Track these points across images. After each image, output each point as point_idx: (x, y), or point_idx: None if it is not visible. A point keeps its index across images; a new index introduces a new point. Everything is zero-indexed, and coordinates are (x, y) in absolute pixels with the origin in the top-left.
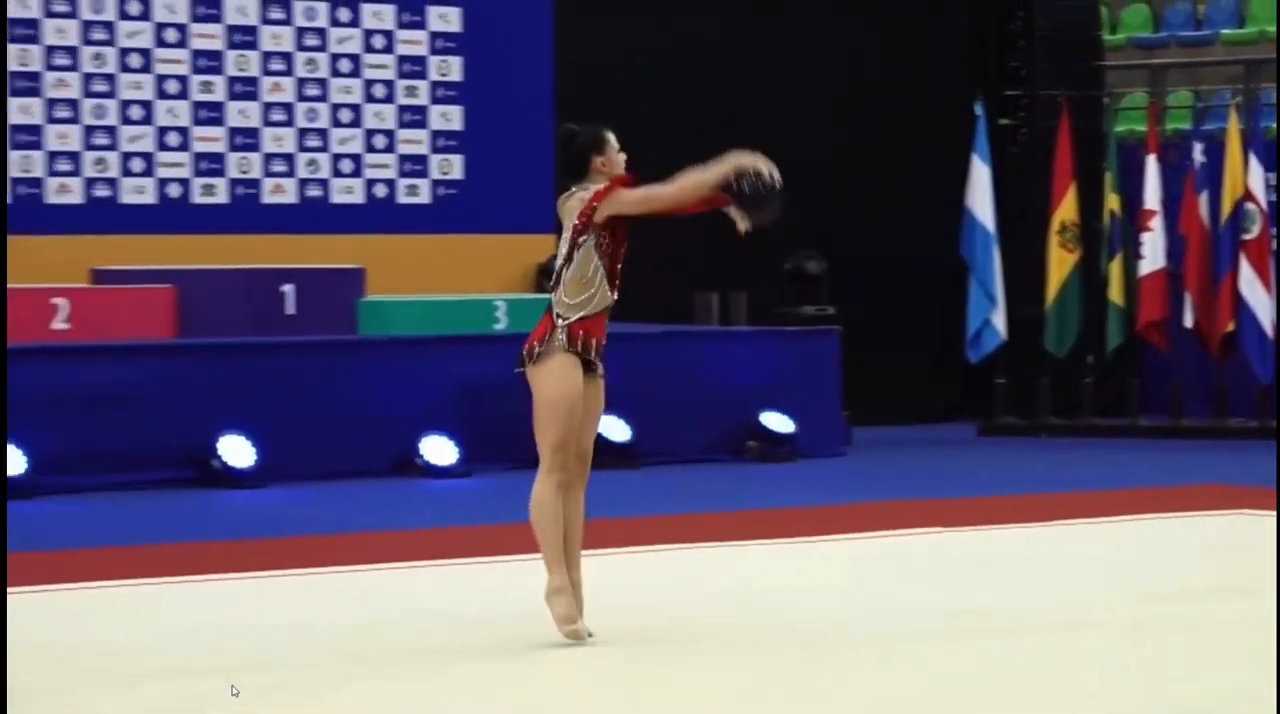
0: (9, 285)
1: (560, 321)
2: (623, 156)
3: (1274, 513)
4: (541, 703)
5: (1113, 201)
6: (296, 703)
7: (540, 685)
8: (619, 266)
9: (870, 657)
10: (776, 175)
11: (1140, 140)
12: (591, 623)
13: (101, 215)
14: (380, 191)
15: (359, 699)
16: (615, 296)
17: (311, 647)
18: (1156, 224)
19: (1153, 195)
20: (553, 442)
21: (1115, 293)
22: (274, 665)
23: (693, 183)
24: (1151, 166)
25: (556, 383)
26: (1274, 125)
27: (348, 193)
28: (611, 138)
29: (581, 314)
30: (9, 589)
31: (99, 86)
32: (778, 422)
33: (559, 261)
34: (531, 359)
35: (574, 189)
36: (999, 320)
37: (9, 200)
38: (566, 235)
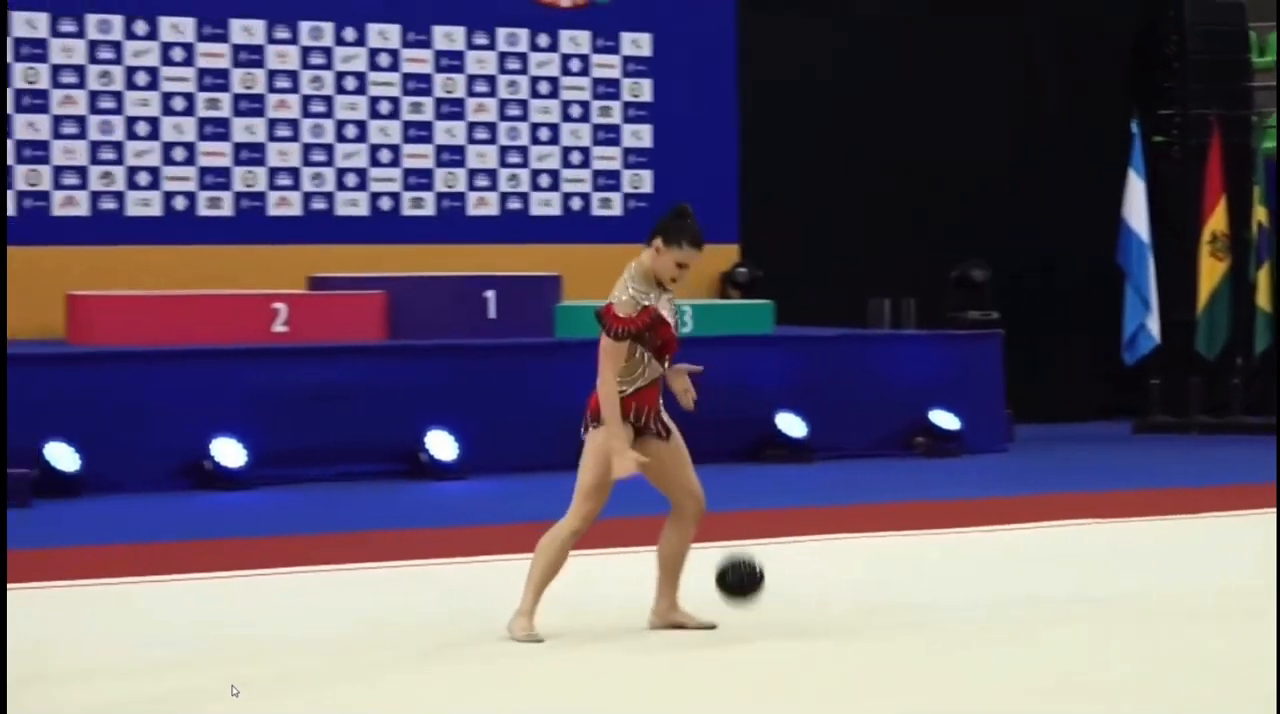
0: (232, 291)
1: None
2: (673, 264)
3: None
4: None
5: (1260, 213)
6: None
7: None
8: (667, 344)
9: (1010, 637)
10: (759, 568)
11: None
12: (706, 615)
13: (318, 227)
14: (576, 204)
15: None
16: (668, 364)
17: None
18: None
19: None
20: (584, 489)
21: (1262, 299)
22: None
23: (606, 399)
24: None
25: (604, 446)
26: None
27: (546, 205)
28: (685, 245)
29: (634, 387)
30: (220, 572)
31: (317, 108)
32: (945, 419)
33: None
34: (591, 425)
35: (632, 268)
36: (1153, 325)
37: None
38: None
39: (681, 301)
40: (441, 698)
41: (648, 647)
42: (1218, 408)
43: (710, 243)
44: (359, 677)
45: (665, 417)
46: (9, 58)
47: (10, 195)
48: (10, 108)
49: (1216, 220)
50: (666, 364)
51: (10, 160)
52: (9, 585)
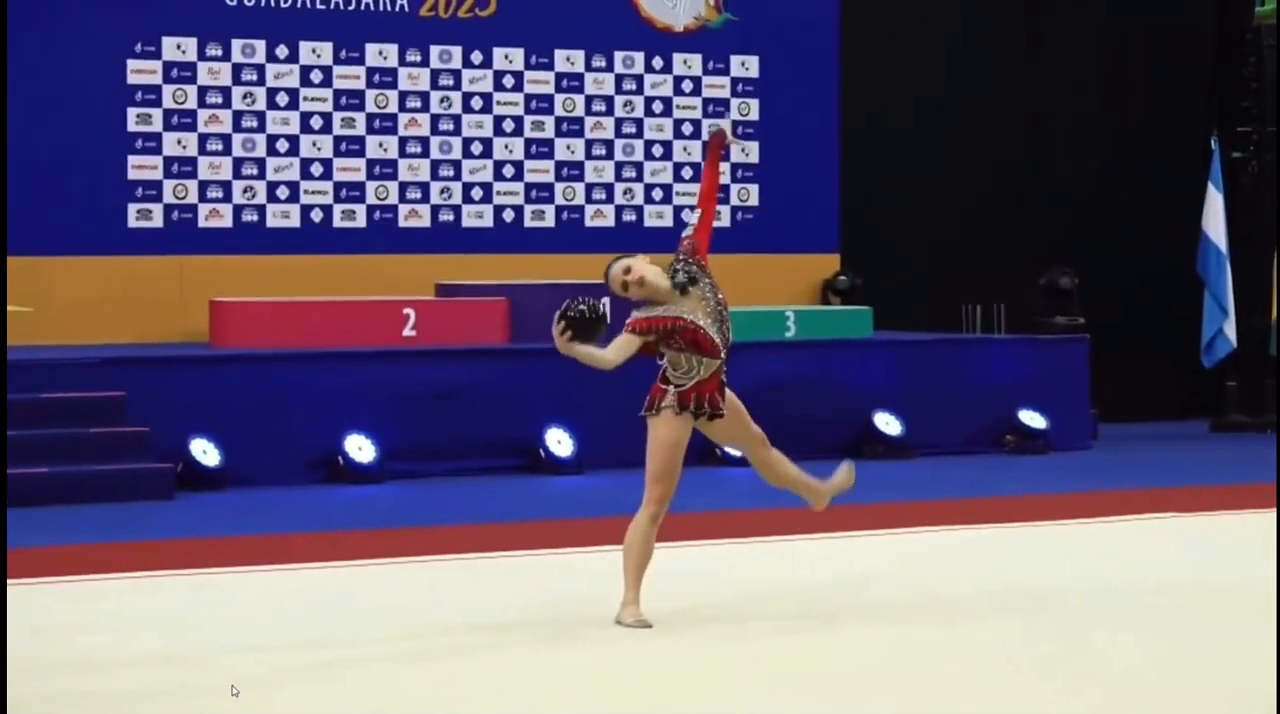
0: (365, 297)
1: (674, 387)
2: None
3: None
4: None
5: None
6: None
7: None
8: (710, 335)
9: (1100, 620)
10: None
11: None
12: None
13: (446, 237)
14: (686, 216)
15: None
16: (723, 355)
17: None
18: None
19: None
20: (653, 474)
21: None
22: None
23: (591, 357)
24: None
25: (665, 432)
26: None
27: (658, 218)
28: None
29: (693, 381)
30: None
31: (445, 126)
32: (1033, 418)
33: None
34: (652, 410)
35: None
36: (1230, 330)
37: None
38: None
39: (785, 307)
40: (561, 678)
41: (748, 633)
42: None
43: (811, 252)
44: (491, 651)
45: (725, 392)
46: (159, 79)
47: (158, 208)
48: (159, 126)
49: None
50: (722, 356)
51: (159, 175)
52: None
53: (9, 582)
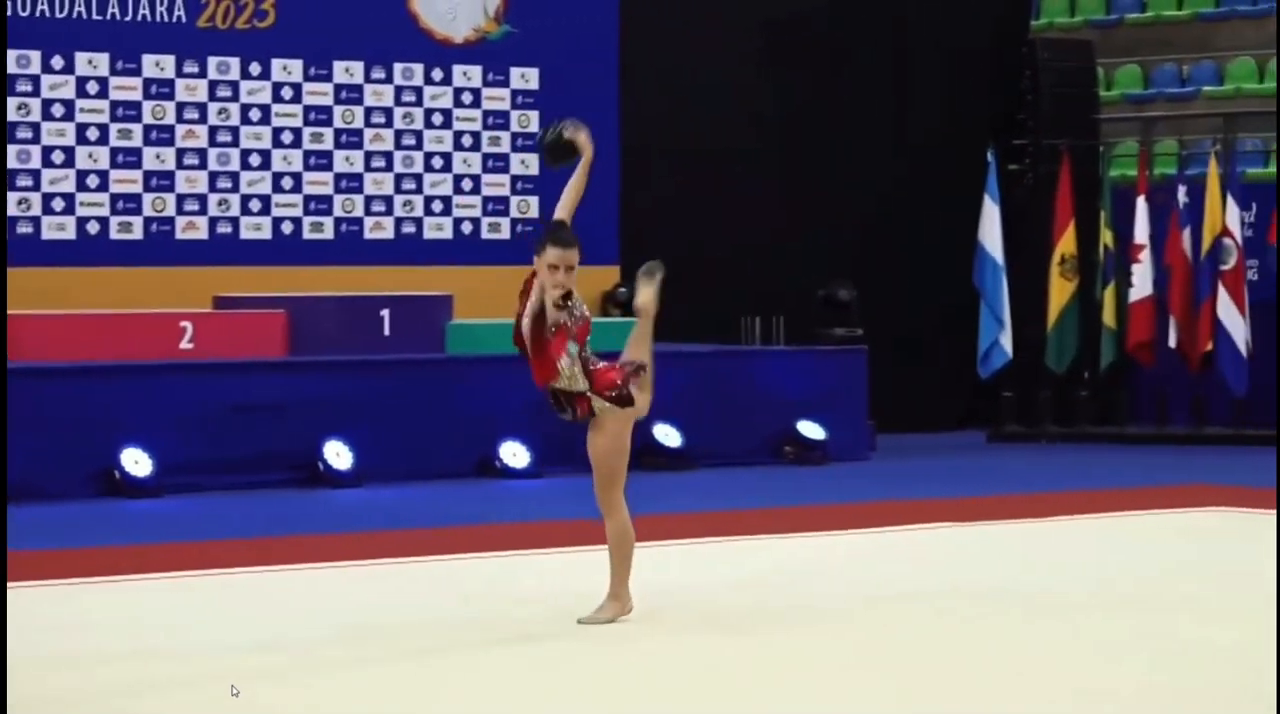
0: (141, 311)
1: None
2: (545, 268)
3: (1244, 510)
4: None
5: (1107, 237)
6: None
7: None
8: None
9: (877, 627)
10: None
11: (1131, 184)
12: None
13: (223, 249)
14: (466, 228)
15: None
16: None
17: (419, 627)
18: (1145, 257)
19: (1142, 231)
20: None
21: (1108, 317)
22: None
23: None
24: (1141, 206)
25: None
26: (1247, 170)
27: (438, 230)
28: (548, 247)
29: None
30: (107, 576)
31: (223, 138)
32: (812, 429)
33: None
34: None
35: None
36: (1006, 341)
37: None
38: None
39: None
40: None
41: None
42: (1066, 419)
43: (593, 265)
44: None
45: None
46: None
47: None
48: None
49: (1066, 243)
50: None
51: None
52: None
53: None
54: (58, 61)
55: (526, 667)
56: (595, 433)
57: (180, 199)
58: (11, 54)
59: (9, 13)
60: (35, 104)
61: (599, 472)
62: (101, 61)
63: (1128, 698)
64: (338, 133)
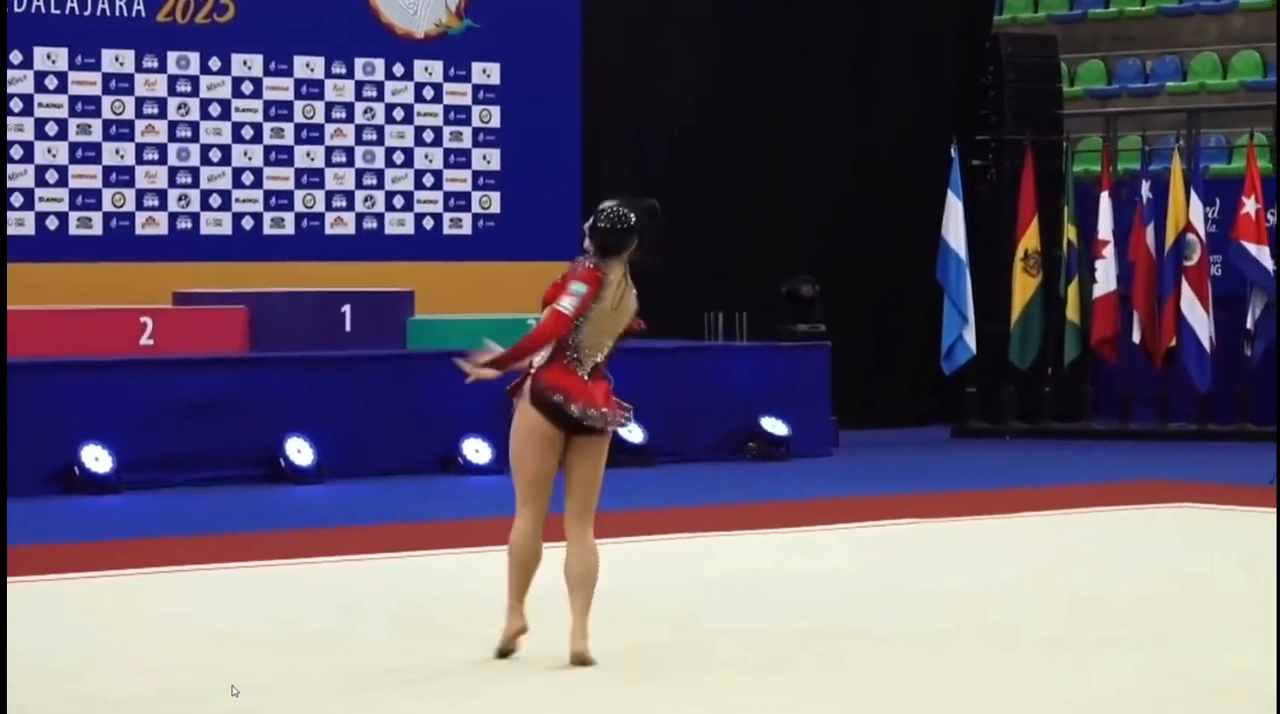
0: (101, 306)
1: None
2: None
3: (1207, 506)
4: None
5: (1070, 232)
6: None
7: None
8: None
9: (838, 624)
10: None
11: (1095, 179)
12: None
13: (183, 245)
14: (428, 224)
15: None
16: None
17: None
18: (1108, 252)
19: (1105, 227)
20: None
21: (1072, 312)
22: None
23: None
24: (1104, 202)
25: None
26: (1210, 166)
27: (400, 225)
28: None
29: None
30: (72, 572)
31: (183, 133)
32: (774, 425)
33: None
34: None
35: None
36: (970, 336)
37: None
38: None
39: (526, 315)
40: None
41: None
42: (1030, 414)
43: (553, 260)
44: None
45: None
46: None
47: None
48: None
49: (1029, 239)
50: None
51: None
52: None
53: None
54: (16, 56)
55: (495, 671)
56: (595, 453)
57: (140, 194)
58: None
59: None
60: None
61: (591, 496)
62: (60, 56)
63: (1087, 702)
64: (298, 128)
